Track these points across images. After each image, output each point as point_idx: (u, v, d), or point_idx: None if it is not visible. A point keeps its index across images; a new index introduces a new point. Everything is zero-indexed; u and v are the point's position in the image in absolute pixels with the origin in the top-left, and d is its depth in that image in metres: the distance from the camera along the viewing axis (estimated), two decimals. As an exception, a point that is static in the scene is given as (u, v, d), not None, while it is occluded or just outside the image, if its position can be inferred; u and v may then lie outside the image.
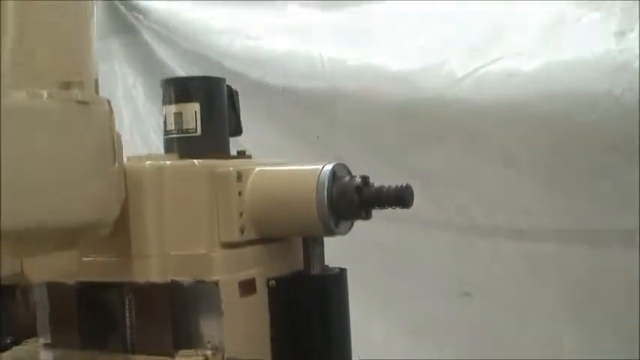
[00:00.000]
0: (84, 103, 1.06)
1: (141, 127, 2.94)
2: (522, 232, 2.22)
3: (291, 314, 1.31)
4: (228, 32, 2.77)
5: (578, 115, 2.09)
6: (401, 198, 1.25)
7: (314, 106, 2.55)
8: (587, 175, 2.12)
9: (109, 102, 1.14)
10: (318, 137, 2.56)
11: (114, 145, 1.14)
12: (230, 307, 1.22)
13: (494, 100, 2.21)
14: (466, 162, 2.30)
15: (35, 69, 1.02)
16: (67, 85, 1.04)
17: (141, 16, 2.99)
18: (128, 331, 1.25)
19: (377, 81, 2.41)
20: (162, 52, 2.95)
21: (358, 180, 1.27)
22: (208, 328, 1.22)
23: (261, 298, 1.29)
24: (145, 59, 3.03)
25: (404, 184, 1.26)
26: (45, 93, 1.01)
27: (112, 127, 1.14)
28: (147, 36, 3.02)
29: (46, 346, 1.31)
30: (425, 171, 2.35)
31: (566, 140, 2.13)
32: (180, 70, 2.83)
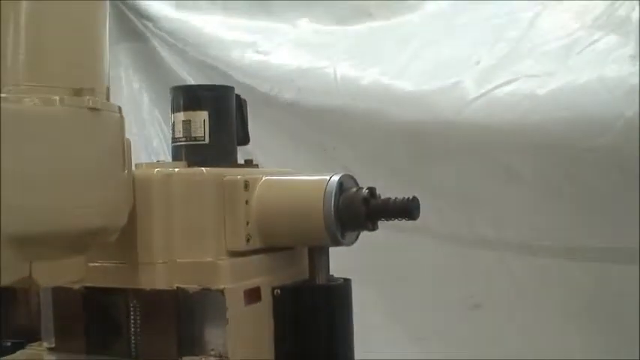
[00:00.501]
0: (95, 109, 1.07)
1: (144, 133, 2.95)
2: (530, 248, 2.23)
3: (296, 323, 1.32)
4: (239, 45, 2.79)
5: (589, 138, 2.10)
6: (407, 210, 1.26)
7: (325, 122, 2.56)
8: (596, 195, 2.13)
9: (119, 109, 1.14)
10: (334, 148, 2.57)
11: (124, 151, 1.15)
12: (235, 315, 1.22)
13: (506, 122, 2.23)
14: (475, 180, 2.32)
15: (47, 75, 1.03)
16: (78, 92, 1.05)
17: (150, 24, 3.01)
18: (133, 337, 1.25)
19: (388, 101, 2.43)
20: (170, 59, 2.96)
21: (365, 191, 1.28)
22: (213, 335, 1.23)
23: (265, 306, 1.30)
24: (151, 66, 3.04)
25: (410, 197, 1.26)
26: (57, 99, 1.02)
27: (122, 134, 1.15)
28: (155, 43, 3.03)
29: (50, 350, 1.31)
30: (435, 188, 2.36)
31: (577, 162, 2.14)
32: (189, 78, 2.84)
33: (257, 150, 2.59)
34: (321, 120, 2.56)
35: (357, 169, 2.41)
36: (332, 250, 2.46)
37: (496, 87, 2.23)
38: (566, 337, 2.23)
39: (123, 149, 1.14)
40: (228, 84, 2.65)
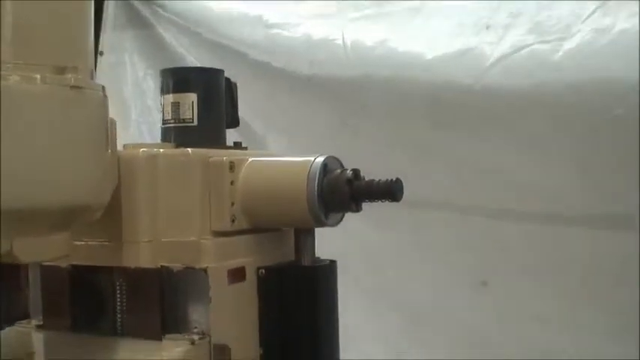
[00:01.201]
0: (77, 88, 1.08)
1: (149, 120, 2.97)
2: (549, 217, 2.23)
3: (280, 304, 1.33)
4: (249, 21, 2.80)
5: (608, 104, 2.09)
6: (391, 191, 1.27)
7: (341, 93, 2.57)
8: (617, 162, 2.13)
9: (103, 88, 1.16)
10: (346, 124, 2.57)
11: (107, 130, 1.16)
12: (218, 294, 1.24)
13: (523, 87, 2.23)
14: (495, 150, 2.32)
15: (30, 53, 1.04)
16: (61, 70, 1.06)
17: (159, 9, 3.02)
18: (118, 315, 1.27)
19: (404, 68, 2.43)
20: (180, 43, 2.98)
21: (349, 173, 1.28)
22: (196, 313, 1.24)
23: (250, 286, 1.31)
24: (156, 52, 3.06)
25: (394, 178, 1.27)
26: (38, 77, 1.03)
27: (105, 113, 1.16)
28: (161, 29, 3.05)
29: (38, 327, 1.33)
30: (455, 158, 2.38)
31: (597, 128, 2.14)
32: (196, 62, 2.85)
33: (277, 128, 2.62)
34: (339, 92, 2.57)
35: (378, 142, 2.43)
36: (354, 227, 2.50)
37: (513, 52, 2.23)
38: (578, 314, 2.22)
39: (106, 128, 1.16)
40: (242, 62, 2.69)
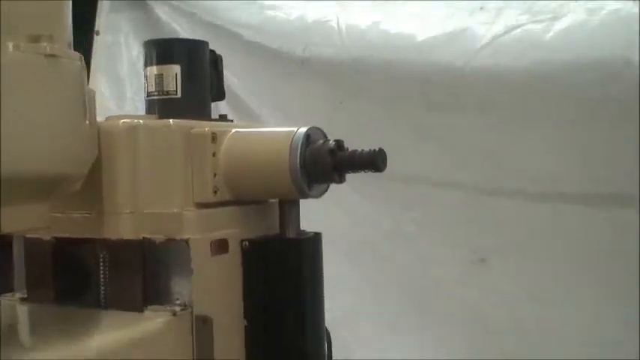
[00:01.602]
0: (53, 56, 1.07)
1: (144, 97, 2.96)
2: (544, 196, 2.23)
3: (265, 276, 1.32)
4: (245, 3, 2.79)
5: (601, 83, 2.08)
6: (374, 161, 1.26)
7: (336, 75, 2.57)
8: (608, 142, 2.12)
9: (81, 58, 1.14)
10: (340, 102, 2.57)
11: (85, 101, 1.15)
12: (200, 265, 1.23)
13: (514, 69, 2.22)
14: (488, 128, 2.31)
15: (2, 21, 1.03)
16: (35, 39, 1.05)
17: None
18: (100, 287, 1.26)
19: (398, 50, 2.43)
20: (175, 24, 2.97)
21: (332, 143, 1.27)
22: (178, 285, 1.24)
23: (233, 258, 1.30)
24: (152, 32, 3.05)
25: (376, 148, 1.26)
26: (11, 45, 1.02)
27: (83, 83, 1.14)
28: (157, 10, 3.04)
29: (22, 300, 1.33)
30: (448, 138, 2.37)
31: (590, 107, 2.13)
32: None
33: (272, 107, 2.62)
34: (333, 74, 2.57)
35: (373, 122, 2.43)
36: (351, 203, 2.47)
37: (505, 32, 2.22)
38: (574, 290, 2.22)
39: (84, 98, 1.15)
40: (237, 43, 2.68)
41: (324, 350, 1.41)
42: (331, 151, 1.26)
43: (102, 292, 1.26)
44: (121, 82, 2.98)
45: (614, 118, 2.08)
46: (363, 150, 1.26)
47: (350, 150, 1.28)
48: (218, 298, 1.27)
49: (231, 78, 2.65)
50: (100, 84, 3.08)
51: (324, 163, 1.26)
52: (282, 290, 1.32)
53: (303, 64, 2.58)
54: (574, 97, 2.14)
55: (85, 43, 3.13)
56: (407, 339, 2.51)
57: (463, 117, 2.33)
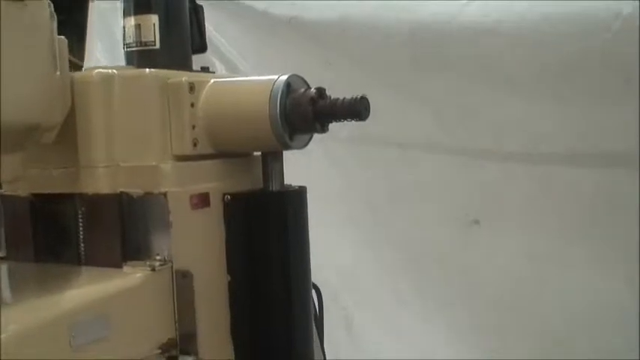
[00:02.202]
0: (19, 1, 1.03)
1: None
2: (530, 156, 2.19)
3: (248, 231, 1.29)
4: None
5: (586, 38, 2.03)
6: (355, 110, 1.21)
7: (323, 34, 2.52)
8: (596, 99, 2.07)
9: (50, 5, 1.10)
10: (329, 64, 2.52)
11: (55, 50, 1.11)
12: (180, 219, 1.20)
13: (501, 23, 2.16)
14: (475, 89, 2.27)
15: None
16: (-1, -17, 1.01)
17: None
18: (79, 243, 1.24)
19: (384, 8, 2.37)
20: None
21: (313, 92, 1.23)
22: (158, 240, 1.21)
23: (215, 213, 1.27)
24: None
25: (358, 96, 1.22)
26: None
27: (52, 32, 1.11)
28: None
29: (2, 259, 1.30)
30: (435, 99, 2.33)
31: (575, 64, 2.08)
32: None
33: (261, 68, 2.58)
34: (320, 34, 2.52)
35: (361, 82, 2.38)
36: (347, 166, 2.43)
37: None
38: (569, 250, 2.19)
39: (53, 47, 1.11)
40: (225, 5, 2.63)
41: (311, 304, 1.38)
42: (312, 100, 1.22)
43: (81, 248, 1.24)
44: (117, 46, 2.93)
45: (604, 73, 2.02)
46: (344, 98, 1.22)
47: (332, 98, 1.23)
48: (199, 253, 1.24)
49: (219, 39, 2.61)
50: (95, 50, 3.04)
51: (305, 112, 1.22)
52: (266, 245, 1.29)
53: (290, 24, 2.53)
54: (560, 50, 2.08)
55: (81, 9, 3.09)
56: (407, 302, 2.49)
57: (450, 76, 2.28)
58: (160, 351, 1.16)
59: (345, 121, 1.23)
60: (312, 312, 1.42)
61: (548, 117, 2.13)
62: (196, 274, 1.21)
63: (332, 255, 2.49)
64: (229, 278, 1.28)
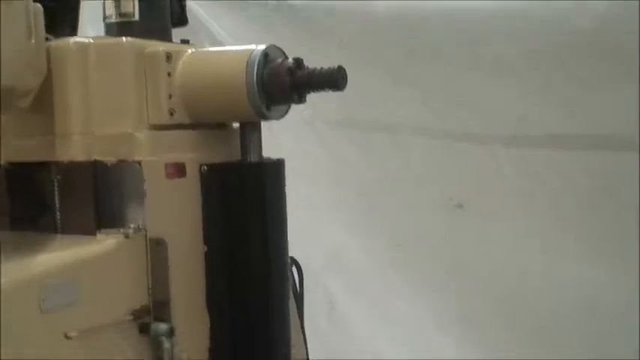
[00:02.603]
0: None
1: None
2: (516, 139, 2.18)
3: (225, 202, 1.28)
4: None
5: (576, 21, 2.02)
6: (333, 80, 1.21)
7: (310, 20, 2.52)
8: (585, 83, 2.06)
9: (24, -28, 1.10)
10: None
11: (29, 18, 1.11)
12: (155, 188, 1.20)
13: (490, 7, 2.16)
14: (464, 73, 2.26)
15: None
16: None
17: None
18: (54, 212, 1.24)
19: None
20: None
21: (290, 62, 1.23)
22: (133, 209, 1.21)
23: (192, 183, 1.26)
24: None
25: (336, 66, 1.21)
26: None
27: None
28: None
29: (-22, 228, 1.30)
30: (424, 83, 2.33)
31: (564, 48, 2.07)
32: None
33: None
34: (307, 19, 2.51)
35: (348, 68, 2.38)
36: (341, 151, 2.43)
37: None
38: (558, 236, 2.18)
39: (27, 13, 1.11)
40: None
41: (288, 277, 1.38)
42: (290, 70, 1.22)
43: (57, 216, 1.24)
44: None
45: (591, 56, 2.01)
46: (322, 68, 1.22)
47: (309, 68, 1.23)
48: (174, 223, 1.23)
49: (205, 24, 2.61)
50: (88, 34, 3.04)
51: (282, 82, 1.21)
52: (244, 216, 1.29)
53: (276, 8, 2.53)
54: (547, 33, 2.07)
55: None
56: (392, 286, 2.49)
57: (435, 60, 2.28)
58: (132, 317, 1.16)
59: (323, 91, 1.22)
60: (290, 285, 1.42)
61: (536, 101, 2.13)
62: (171, 243, 1.21)
63: (318, 238, 2.50)
64: (206, 249, 1.27)
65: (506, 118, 2.18)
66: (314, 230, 2.55)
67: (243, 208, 1.29)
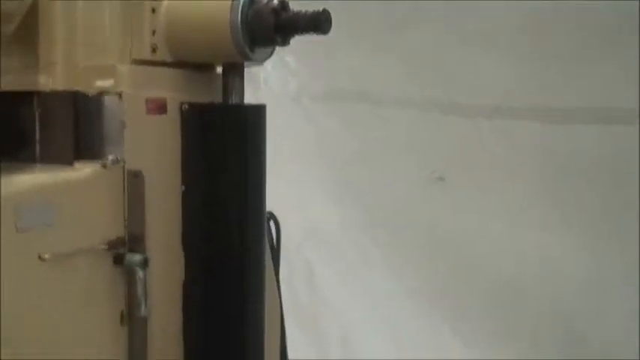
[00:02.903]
0: None
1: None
2: (501, 110, 2.20)
3: (205, 143, 1.29)
4: None
5: None
6: (317, 22, 1.22)
7: None
8: (571, 57, 2.08)
9: None
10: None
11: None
12: (134, 121, 1.20)
13: None
14: (450, 45, 2.28)
15: None
16: None
17: None
18: (34, 142, 1.24)
19: None
20: None
21: (275, 2, 1.23)
22: (111, 141, 1.21)
23: (172, 120, 1.27)
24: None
25: (321, 9, 1.22)
26: None
27: None
28: None
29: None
30: (410, 55, 2.34)
31: (551, 21, 2.09)
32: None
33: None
34: None
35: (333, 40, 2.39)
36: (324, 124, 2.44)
37: None
38: (544, 211, 2.20)
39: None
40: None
41: (265, 224, 1.39)
42: (274, 11, 1.22)
43: (36, 147, 1.24)
44: None
45: (579, 26, 2.03)
46: (307, 11, 1.23)
47: (294, 11, 1.24)
48: (153, 158, 1.24)
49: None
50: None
51: (267, 23, 1.22)
52: (222, 158, 1.30)
53: None
54: (537, 7, 2.09)
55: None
56: (369, 257, 2.50)
57: (420, 30, 2.29)
58: (107, 247, 1.16)
59: (306, 34, 1.23)
60: (266, 234, 1.43)
61: (521, 73, 2.15)
62: (149, 178, 1.22)
63: (300, 209, 2.51)
64: (183, 188, 1.28)
65: (493, 89, 2.20)
66: (296, 205, 2.56)
67: (223, 149, 1.29)
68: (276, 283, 1.58)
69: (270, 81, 2.57)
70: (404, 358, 2.23)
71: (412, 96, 2.37)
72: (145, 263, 1.17)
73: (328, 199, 2.59)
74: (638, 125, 1.98)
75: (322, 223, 2.58)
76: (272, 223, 1.62)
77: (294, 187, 2.55)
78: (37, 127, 1.23)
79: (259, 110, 1.33)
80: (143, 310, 1.16)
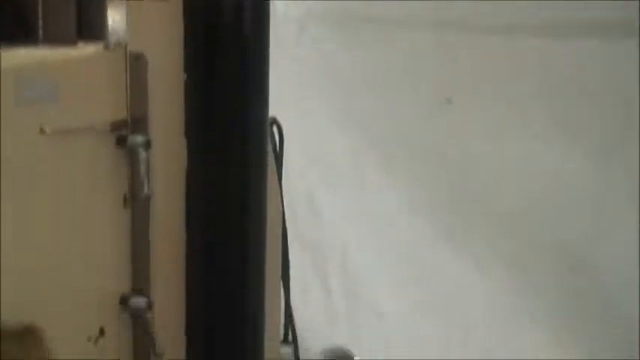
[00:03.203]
0: None
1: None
2: (507, 27, 2.17)
3: (208, 35, 1.28)
4: None
5: None
6: None
7: None
8: None
9: None
10: None
11: None
12: (137, 4, 1.19)
13: None
14: None
15: None
16: None
17: None
18: (37, 24, 1.23)
19: None
20: None
21: None
22: (114, 24, 1.20)
23: (175, 7, 1.26)
24: None
25: None
26: None
27: None
28: None
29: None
30: None
31: None
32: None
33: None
34: None
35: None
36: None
37: None
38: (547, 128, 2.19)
39: None
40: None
41: (267, 115, 1.39)
42: None
43: (40, 29, 1.23)
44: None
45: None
46: None
47: None
48: (156, 43, 1.23)
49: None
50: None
51: None
52: (223, 52, 1.29)
53: None
54: None
55: None
56: (371, 182, 2.50)
57: None
58: (110, 128, 1.16)
59: None
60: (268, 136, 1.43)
61: None
62: (151, 62, 1.21)
63: (301, 135, 2.50)
64: (185, 77, 1.28)
65: (500, 4, 2.17)
66: (298, 129, 2.55)
67: (226, 51, 1.28)
68: (279, 188, 1.59)
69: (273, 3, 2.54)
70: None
71: (418, 13, 2.33)
72: (147, 144, 1.18)
73: (331, 124, 2.57)
74: (638, 39, 1.95)
75: (326, 149, 2.57)
76: (275, 129, 1.62)
77: (297, 114, 2.54)
78: (42, 11, 1.23)
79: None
80: (146, 190, 1.17)
